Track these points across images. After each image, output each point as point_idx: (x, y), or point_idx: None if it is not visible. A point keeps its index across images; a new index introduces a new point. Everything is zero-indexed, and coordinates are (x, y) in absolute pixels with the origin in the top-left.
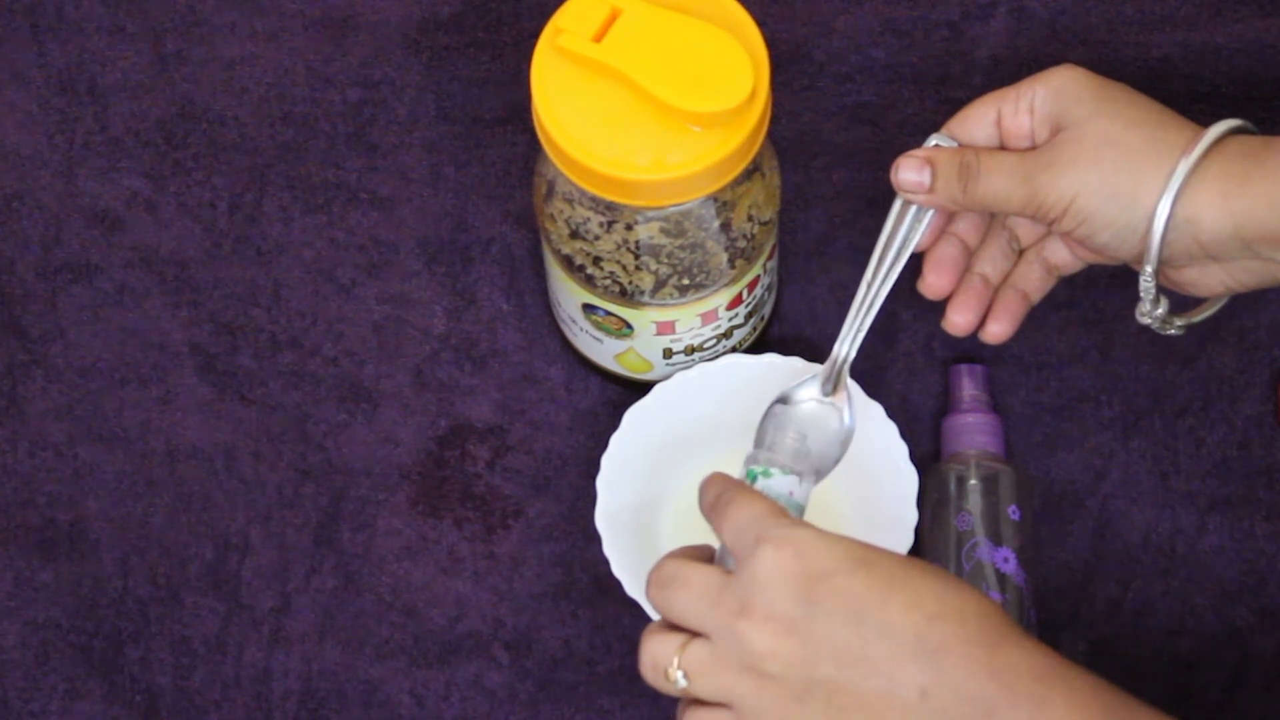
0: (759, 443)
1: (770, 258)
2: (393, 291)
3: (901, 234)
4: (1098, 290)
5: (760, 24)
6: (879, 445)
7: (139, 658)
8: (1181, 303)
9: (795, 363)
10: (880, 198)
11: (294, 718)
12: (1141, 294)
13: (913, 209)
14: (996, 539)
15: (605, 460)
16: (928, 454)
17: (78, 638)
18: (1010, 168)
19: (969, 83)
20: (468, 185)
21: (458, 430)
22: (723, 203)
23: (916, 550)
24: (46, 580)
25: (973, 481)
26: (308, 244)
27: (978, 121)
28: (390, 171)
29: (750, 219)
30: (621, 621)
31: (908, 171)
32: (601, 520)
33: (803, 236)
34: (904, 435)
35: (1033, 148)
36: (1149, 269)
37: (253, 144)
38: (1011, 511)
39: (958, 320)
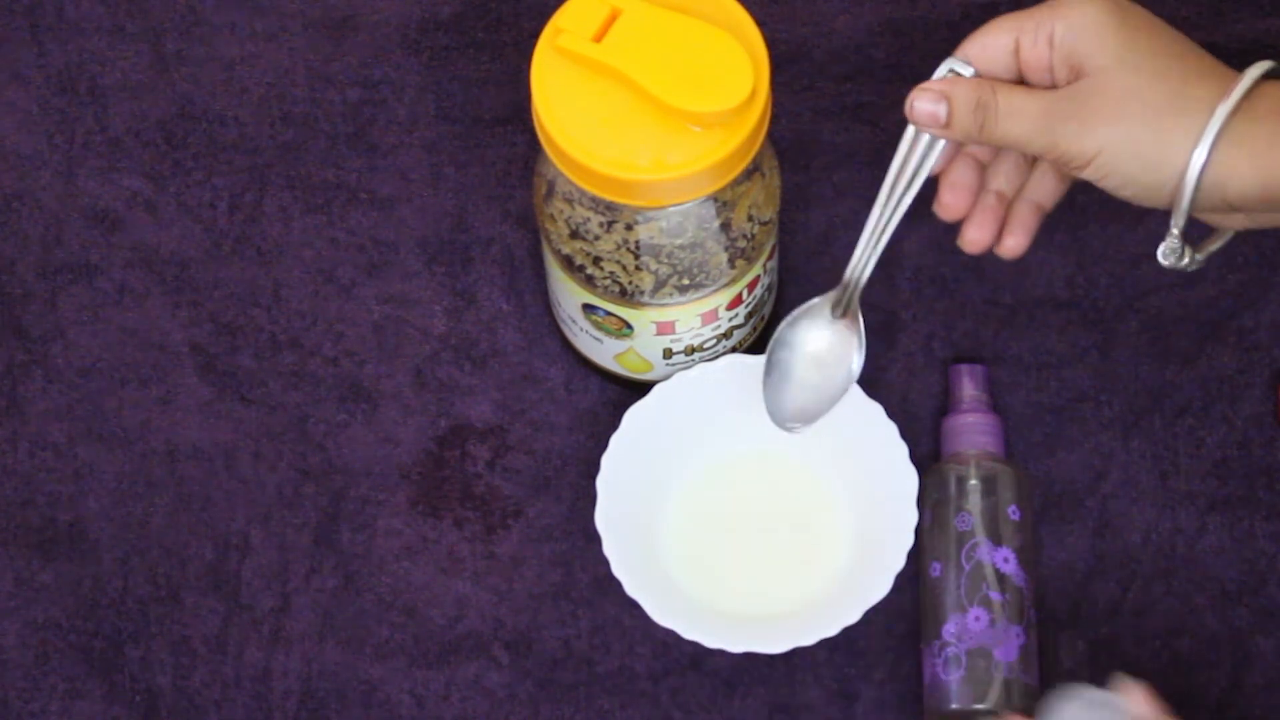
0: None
1: (770, 258)
2: (393, 291)
3: (915, 161)
4: (1098, 290)
5: (760, 24)
6: (879, 445)
7: (139, 658)
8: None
9: None
10: None
11: (294, 718)
12: (1166, 250)
13: (926, 136)
14: (996, 539)
15: (605, 460)
16: (928, 454)
17: (78, 638)
18: (1031, 114)
19: None
20: (468, 185)
21: (458, 430)
22: (723, 203)
23: (916, 550)
24: (46, 580)
25: (973, 481)
26: (308, 244)
27: (995, 48)
28: (390, 171)
29: (750, 219)
30: (621, 621)
31: (924, 103)
32: (601, 520)
33: (803, 236)
34: (904, 435)
35: (1052, 86)
36: (1175, 231)
37: (253, 144)
38: (1011, 511)
39: (975, 236)
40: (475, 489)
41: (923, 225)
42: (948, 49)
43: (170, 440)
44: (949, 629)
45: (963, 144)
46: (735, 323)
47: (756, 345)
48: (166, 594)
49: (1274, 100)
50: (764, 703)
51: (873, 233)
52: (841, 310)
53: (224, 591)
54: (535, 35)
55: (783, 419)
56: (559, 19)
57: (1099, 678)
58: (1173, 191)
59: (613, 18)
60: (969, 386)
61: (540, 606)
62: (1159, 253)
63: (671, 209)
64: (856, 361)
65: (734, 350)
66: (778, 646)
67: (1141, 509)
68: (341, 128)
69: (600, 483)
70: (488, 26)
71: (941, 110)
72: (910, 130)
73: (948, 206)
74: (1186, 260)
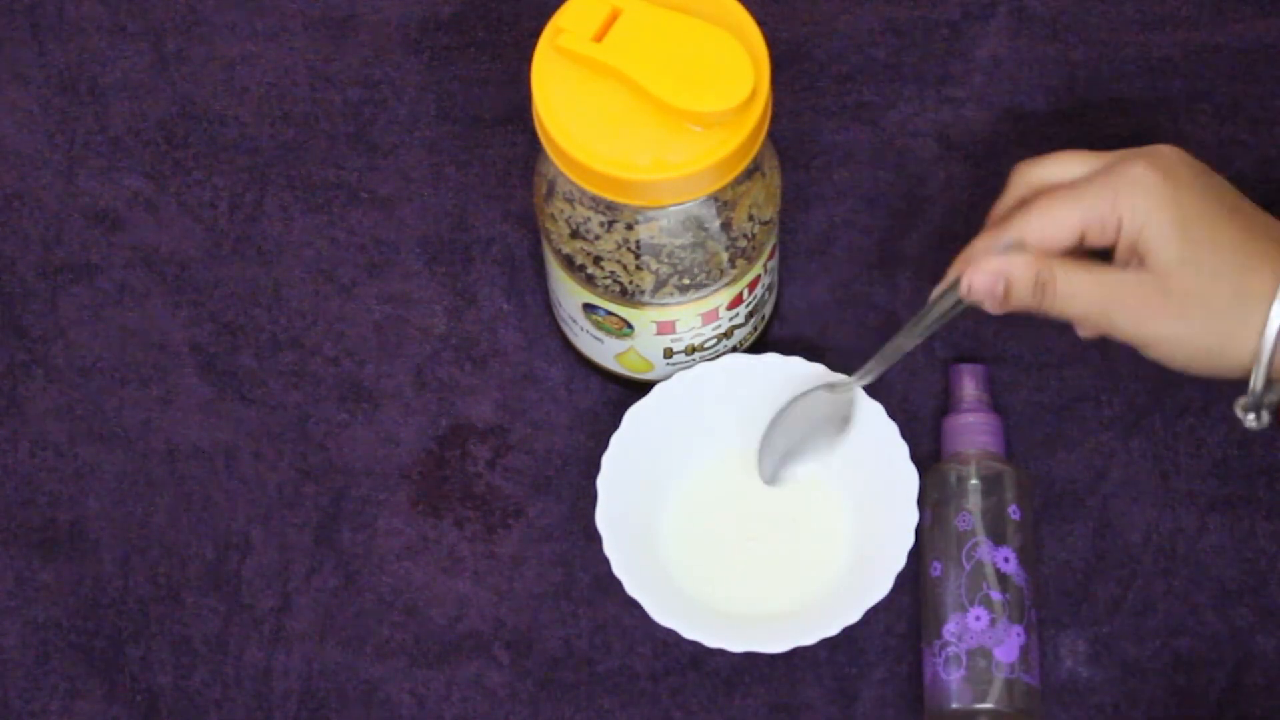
0: None
1: (771, 257)
2: (393, 291)
3: (950, 302)
4: None
5: (760, 24)
6: (879, 445)
7: (139, 658)
8: None
9: (796, 363)
10: (880, 197)
11: (294, 717)
12: (1244, 422)
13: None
14: (997, 538)
15: (606, 460)
16: (928, 454)
17: (78, 638)
18: (1090, 299)
19: (969, 82)
20: (468, 185)
21: (458, 430)
22: (723, 202)
23: (917, 550)
24: (47, 580)
25: (973, 481)
26: (308, 244)
27: (1061, 229)
28: (390, 171)
29: (751, 218)
30: (621, 621)
31: (982, 280)
32: (602, 520)
33: (803, 236)
34: (904, 435)
35: (1111, 249)
36: (1251, 418)
37: (253, 144)
38: (1012, 511)
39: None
40: (476, 489)
41: (923, 225)
42: (948, 49)
43: (170, 440)
44: (950, 628)
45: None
46: (736, 322)
47: (757, 345)
48: (167, 594)
49: None
50: (764, 703)
51: (892, 350)
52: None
53: (224, 591)
54: (535, 35)
55: (773, 481)
56: (559, 19)
57: (1099, 677)
58: (1239, 372)
59: (613, 17)
60: (970, 386)
61: (540, 606)
62: (1236, 408)
63: (672, 209)
64: (841, 432)
65: (735, 350)
66: (778, 646)
67: (1142, 508)
68: (342, 128)
69: (601, 482)
70: (488, 26)
71: (999, 288)
72: (954, 295)
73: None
74: (1260, 421)
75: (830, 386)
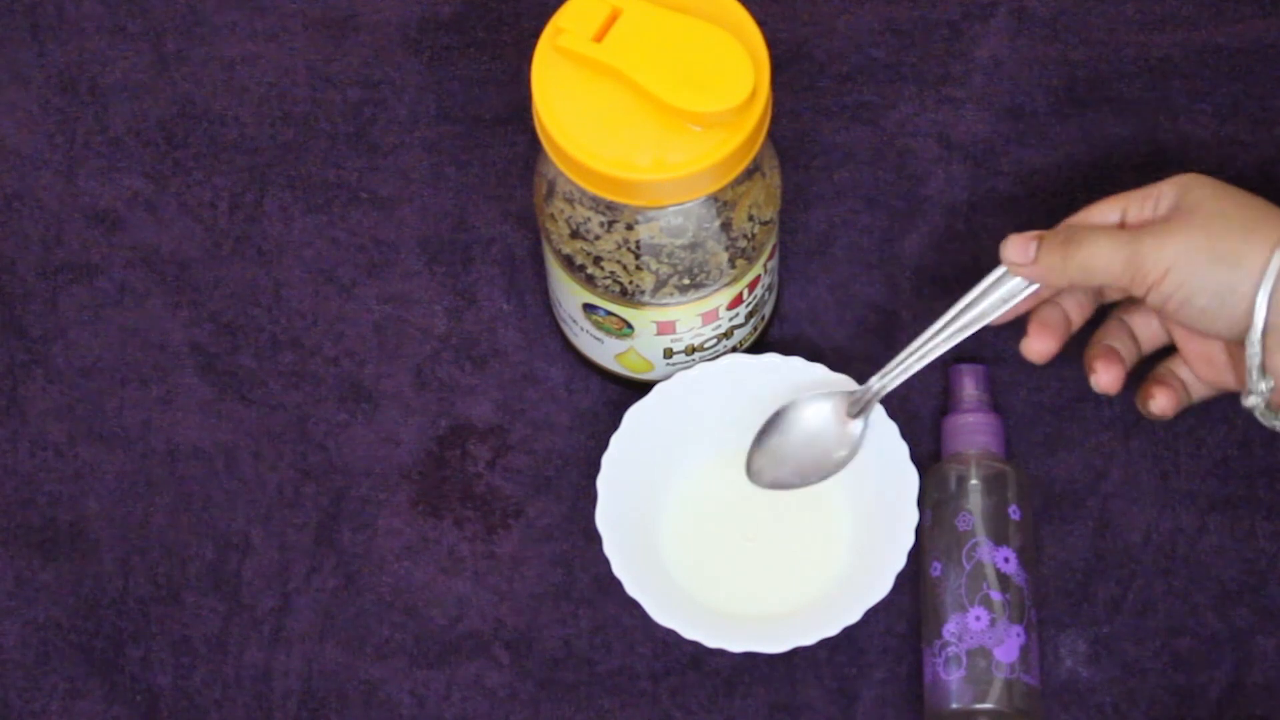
0: None
1: (771, 257)
2: (393, 291)
3: (983, 305)
4: None
5: (760, 24)
6: (879, 445)
7: (139, 658)
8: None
9: (796, 363)
10: (880, 197)
11: (294, 718)
12: (1247, 360)
13: (1004, 285)
14: (997, 539)
15: (606, 460)
16: (928, 454)
17: (78, 638)
18: (1114, 234)
19: (969, 82)
20: (468, 185)
21: (458, 430)
22: (723, 202)
23: (917, 550)
24: (47, 580)
25: (973, 481)
26: (308, 244)
27: (1101, 216)
28: (390, 171)
29: (751, 219)
30: (621, 621)
31: (1014, 250)
32: (602, 520)
33: (803, 236)
34: (904, 435)
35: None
36: (1257, 330)
37: (253, 144)
38: (1012, 511)
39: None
40: (476, 489)
41: (922, 225)
42: (948, 49)
43: (170, 440)
44: (950, 628)
45: (1046, 286)
46: (736, 322)
47: (757, 345)
48: (167, 594)
49: None
50: (764, 703)
51: (914, 352)
52: (856, 410)
53: (224, 591)
54: (535, 35)
55: (759, 481)
56: (559, 19)
57: (1099, 677)
58: (1251, 301)
59: (613, 17)
60: (970, 386)
61: (540, 606)
62: (1241, 397)
63: (672, 209)
64: (847, 458)
65: (735, 350)
66: (778, 646)
67: (1142, 508)
68: (342, 128)
69: (601, 482)
70: (488, 26)
71: (1031, 247)
72: (994, 274)
73: (1038, 352)
74: (1265, 387)
75: (849, 398)
